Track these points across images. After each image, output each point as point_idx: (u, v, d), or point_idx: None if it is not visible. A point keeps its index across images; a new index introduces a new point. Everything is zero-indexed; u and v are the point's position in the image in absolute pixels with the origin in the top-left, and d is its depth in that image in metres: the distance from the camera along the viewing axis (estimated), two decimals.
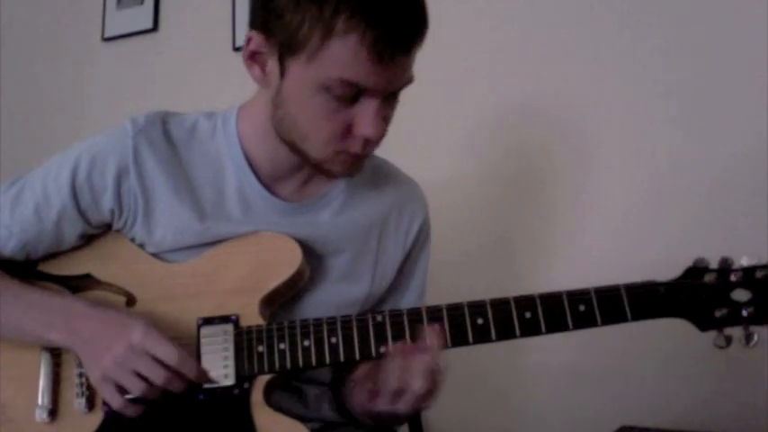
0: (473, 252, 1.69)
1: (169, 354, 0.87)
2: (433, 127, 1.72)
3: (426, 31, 0.87)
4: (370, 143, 0.90)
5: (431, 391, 0.87)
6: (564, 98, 1.64)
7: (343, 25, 0.81)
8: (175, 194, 0.97)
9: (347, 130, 0.89)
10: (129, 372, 0.87)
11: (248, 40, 0.90)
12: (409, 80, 0.90)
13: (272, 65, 0.89)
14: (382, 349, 0.91)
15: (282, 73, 0.88)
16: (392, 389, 0.87)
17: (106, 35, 2.25)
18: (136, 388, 0.87)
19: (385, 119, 0.90)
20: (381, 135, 0.90)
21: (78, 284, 0.99)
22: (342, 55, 0.83)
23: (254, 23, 0.89)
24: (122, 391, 0.88)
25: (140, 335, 0.87)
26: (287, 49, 0.86)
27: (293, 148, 0.93)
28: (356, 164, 0.94)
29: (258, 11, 0.88)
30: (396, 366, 0.87)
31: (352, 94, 0.86)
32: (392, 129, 0.93)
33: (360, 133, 0.88)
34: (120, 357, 0.86)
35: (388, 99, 0.90)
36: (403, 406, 0.88)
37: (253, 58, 0.91)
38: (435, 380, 0.86)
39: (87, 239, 1.01)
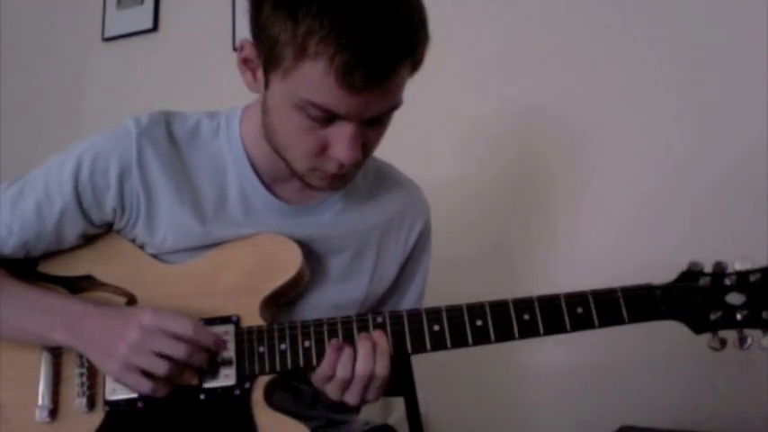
0: (473, 254, 1.70)
1: (184, 325, 0.87)
2: (434, 129, 1.72)
3: (414, 56, 0.84)
4: (346, 166, 0.88)
5: (367, 386, 0.90)
6: (564, 100, 1.65)
7: (314, 48, 0.78)
8: (177, 196, 0.97)
9: (323, 149, 0.87)
10: (149, 353, 0.87)
11: (241, 48, 0.90)
12: (394, 106, 0.86)
13: (261, 74, 0.89)
14: None
15: (266, 84, 0.88)
16: (323, 375, 0.90)
17: (106, 35, 2.26)
18: (159, 367, 0.87)
19: (366, 144, 0.88)
20: (355, 160, 0.86)
21: (79, 285, 0.99)
22: (311, 78, 0.80)
23: (250, 32, 0.89)
24: (146, 375, 0.88)
25: (150, 316, 0.88)
26: (268, 62, 0.85)
27: (279, 155, 0.93)
28: (336, 181, 0.93)
29: (251, 20, 0.88)
30: (331, 357, 0.90)
31: (325, 117, 0.83)
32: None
33: (333, 156, 0.87)
34: (136, 342, 0.87)
35: (371, 123, 0.86)
36: (350, 397, 0.91)
37: (245, 63, 0.91)
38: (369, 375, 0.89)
39: (88, 240, 1.01)
